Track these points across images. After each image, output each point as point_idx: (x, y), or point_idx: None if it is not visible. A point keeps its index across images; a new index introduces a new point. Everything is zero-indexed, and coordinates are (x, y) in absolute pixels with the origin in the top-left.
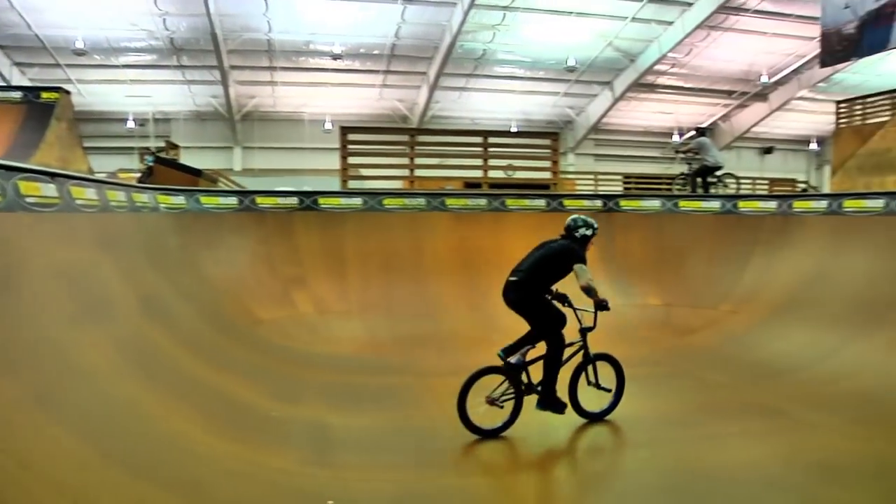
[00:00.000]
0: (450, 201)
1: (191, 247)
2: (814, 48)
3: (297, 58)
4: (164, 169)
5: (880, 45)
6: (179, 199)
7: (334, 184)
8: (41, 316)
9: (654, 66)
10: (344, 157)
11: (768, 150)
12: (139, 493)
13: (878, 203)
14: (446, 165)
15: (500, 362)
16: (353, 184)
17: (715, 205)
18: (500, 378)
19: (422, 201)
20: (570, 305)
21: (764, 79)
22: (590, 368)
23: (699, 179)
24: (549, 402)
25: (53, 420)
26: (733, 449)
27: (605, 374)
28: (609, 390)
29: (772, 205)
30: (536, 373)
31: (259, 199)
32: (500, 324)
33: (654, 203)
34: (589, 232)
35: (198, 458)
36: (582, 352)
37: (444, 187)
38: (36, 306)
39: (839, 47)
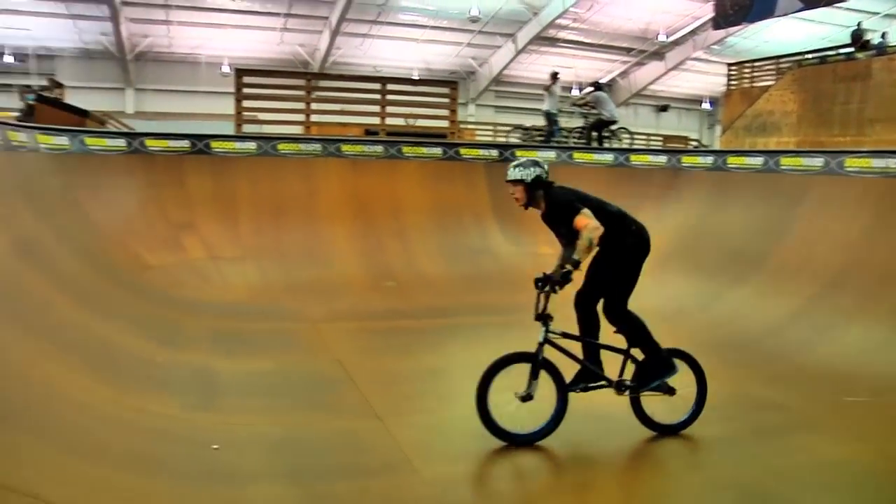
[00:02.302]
0: (346, 147)
1: (74, 189)
2: (709, 11)
3: None
4: (46, 108)
5: (767, 12)
6: (62, 140)
7: (230, 129)
8: None
9: (556, 20)
10: (238, 101)
11: (664, 108)
12: (12, 440)
13: (758, 161)
14: (346, 112)
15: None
16: (250, 129)
17: (608, 157)
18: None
19: (317, 147)
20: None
21: (661, 38)
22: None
23: (594, 133)
24: None
25: None
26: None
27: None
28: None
29: (662, 159)
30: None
31: (149, 142)
32: (392, 270)
33: (550, 154)
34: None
35: (76, 405)
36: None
37: (344, 134)
38: None
39: (731, 11)
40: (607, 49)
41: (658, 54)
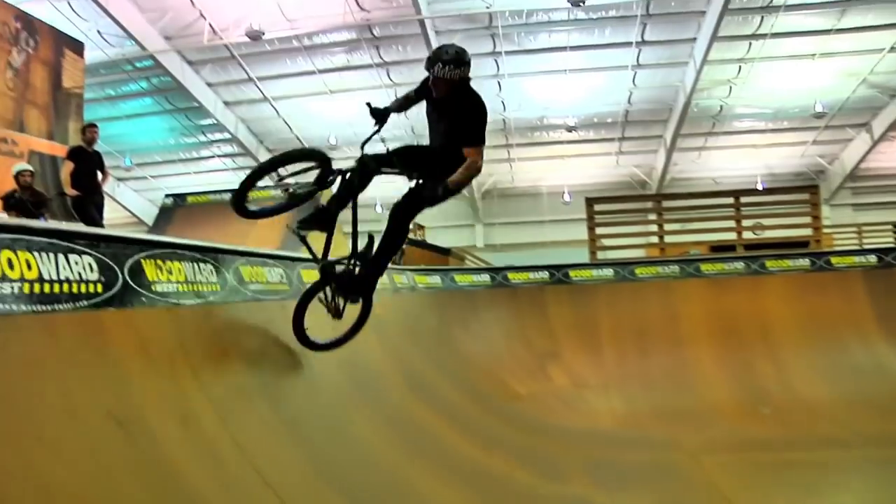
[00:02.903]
0: (704, 266)
1: (448, 324)
2: None
3: (531, 133)
4: (415, 249)
5: None
6: (435, 279)
7: (578, 255)
8: (323, 392)
9: None
10: (591, 228)
11: None
12: None
13: None
14: (690, 230)
15: None
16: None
17: None
18: None
19: (675, 268)
20: None
21: None
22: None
23: None
24: None
25: (330, 487)
26: None
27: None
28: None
29: None
30: None
31: (511, 275)
32: (768, 396)
33: None
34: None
35: None
36: None
37: (687, 252)
38: (321, 383)
39: None
40: None
41: None
